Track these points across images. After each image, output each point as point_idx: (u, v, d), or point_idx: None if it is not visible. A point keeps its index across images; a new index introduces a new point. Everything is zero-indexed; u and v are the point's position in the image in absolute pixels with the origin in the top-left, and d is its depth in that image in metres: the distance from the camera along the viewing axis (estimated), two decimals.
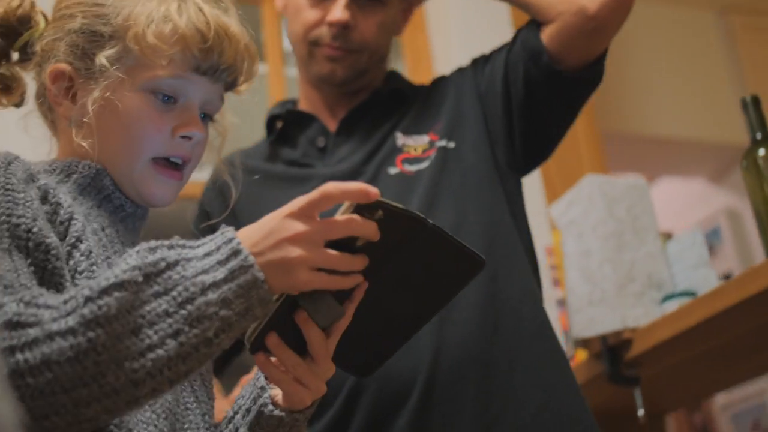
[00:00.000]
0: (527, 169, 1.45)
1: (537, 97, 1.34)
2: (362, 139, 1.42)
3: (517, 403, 1.22)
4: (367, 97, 1.46)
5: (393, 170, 1.36)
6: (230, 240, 0.78)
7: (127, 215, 0.98)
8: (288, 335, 0.86)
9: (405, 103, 1.46)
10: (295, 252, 0.77)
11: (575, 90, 1.35)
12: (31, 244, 0.81)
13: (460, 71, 1.49)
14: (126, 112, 0.94)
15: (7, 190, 0.83)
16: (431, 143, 1.38)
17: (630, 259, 1.68)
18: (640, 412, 1.70)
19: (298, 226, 0.78)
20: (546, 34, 1.31)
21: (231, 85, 1.01)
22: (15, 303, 0.73)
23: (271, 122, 1.52)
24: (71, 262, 0.85)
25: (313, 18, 1.40)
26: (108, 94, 0.94)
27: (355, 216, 0.79)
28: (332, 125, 1.46)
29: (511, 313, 1.28)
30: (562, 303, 2.05)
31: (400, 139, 1.40)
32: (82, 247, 0.86)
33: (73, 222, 0.87)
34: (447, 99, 1.43)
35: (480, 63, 1.46)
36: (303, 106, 1.51)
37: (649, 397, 1.77)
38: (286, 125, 1.50)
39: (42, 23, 1.01)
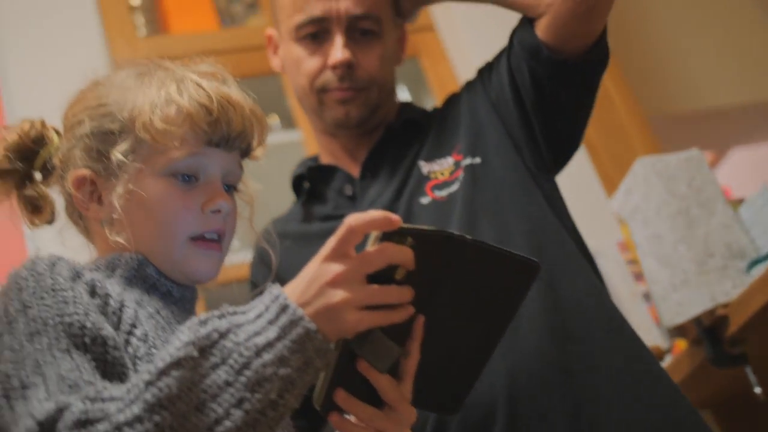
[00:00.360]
0: (559, 167, 1.40)
1: (548, 93, 1.30)
2: (387, 176, 1.39)
3: (606, 403, 1.16)
4: (383, 134, 1.44)
5: (425, 200, 1.33)
6: (277, 297, 0.79)
7: (177, 300, 0.99)
8: (358, 388, 0.83)
9: (421, 131, 1.44)
10: (337, 295, 0.77)
11: (584, 75, 1.31)
12: (87, 339, 0.82)
13: (469, 85, 1.46)
14: (152, 199, 0.96)
15: (55, 290, 0.85)
16: (456, 164, 1.35)
17: (703, 233, 1.59)
18: (757, 390, 1.60)
19: (336, 268, 0.78)
20: (540, 28, 1.28)
21: (246, 152, 1.03)
22: (81, 401, 0.74)
23: (297, 184, 1.51)
24: (130, 350, 0.86)
25: (315, 65, 1.39)
26: (131, 186, 0.96)
27: (387, 243, 0.78)
28: (355, 171, 1.44)
29: (578, 314, 1.22)
30: (647, 297, 1.96)
31: (425, 167, 1.37)
32: (138, 332, 0.87)
33: (125, 309, 0.88)
34: (462, 117, 1.40)
35: (485, 72, 1.43)
36: (324, 159, 1.50)
37: (763, 371, 1.66)
38: (312, 182, 1.48)
39: (55, 138, 1.05)
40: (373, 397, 0.83)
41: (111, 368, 0.82)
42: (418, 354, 0.83)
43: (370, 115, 1.41)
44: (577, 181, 2.44)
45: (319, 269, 0.79)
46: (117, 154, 0.95)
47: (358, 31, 1.38)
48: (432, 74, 2.73)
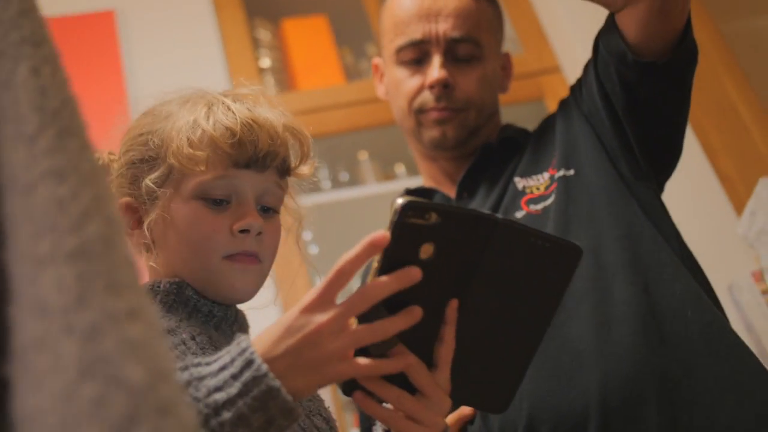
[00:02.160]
0: (660, 173, 1.35)
1: (639, 97, 1.26)
2: (484, 194, 1.39)
3: (705, 407, 1.09)
4: (479, 153, 1.44)
5: (519, 213, 1.31)
6: (244, 350, 0.74)
7: (220, 320, 0.99)
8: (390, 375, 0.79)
9: (518, 150, 1.43)
10: (320, 348, 0.73)
11: (673, 75, 1.26)
12: None
13: (562, 103, 1.45)
14: (183, 223, 0.97)
15: None
16: (551, 178, 1.33)
17: None
18: None
19: (318, 318, 0.74)
20: (623, 28, 1.24)
21: (284, 171, 1.02)
22: None
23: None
24: None
25: (414, 86, 1.41)
26: (163, 211, 0.97)
27: (374, 281, 0.74)
28: (453, 192, 1.44)
29: (675, 318, 1.16)
30: None
31: (520, 182, 1.36)
32: None
33: None
34: (557, 133, 1.39)
35: (576, 87, 1.42)
36: (425, 182, 1.51)
37: None
38: None
39: None
40: (405, 384, 0.79)
41: None
42: (453, 341, 0.79)
43: (467, 137, 1.42)
44: (707, 208, 2.33)
45: (298, 320, 0.74)
46: (147, 181, 0.98)
47: (457, 54, 1.41)
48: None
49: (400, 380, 0.79)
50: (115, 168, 1.04)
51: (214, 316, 0.98)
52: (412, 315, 0.76)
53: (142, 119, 1.05)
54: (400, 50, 1.42)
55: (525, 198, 1.33)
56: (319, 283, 0.75)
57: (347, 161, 2.78)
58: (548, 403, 1.11)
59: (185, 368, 0.75)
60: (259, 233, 0.98)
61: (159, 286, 0.97)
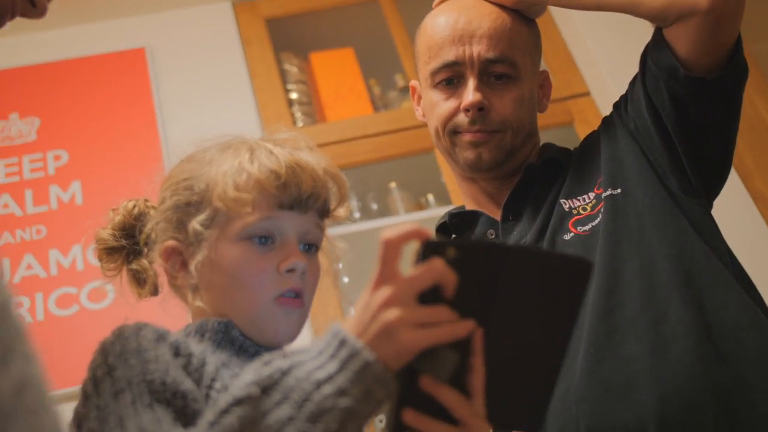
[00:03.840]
0: (711, 190, 1.34)
1: (690, 113, 1.26)
2: (530, 217, 1.37)
3: (764, 425, 1.08)
4: (522, 175, 1.42)
5: (567, 236, 1.30)
6: (337, 333, 0.80)
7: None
8: (428, 408, 0.81)
9: (561, 170, 1.41)
10: (389, 316, 0.77)
11: (724, 91, 1.26)
12: (168, 394, 0.86)
13: (606, 121, 1.43)
14: (229, 264, 1.00)
15: (140, 351, 0.89)
16: (598, 197, 1.32)
17: None
18: None
19: (385, 292, 0.78)
20: (673, 43, 1.25)
21: (323, 213, 1.06)
22: None
23: (443, 234, 1.50)
24: (210, 402, 0.89)
25: (449, 109, 1.40)
26: (209, 253, 1.00)
27: (434, 259, 0.78)
28: (498, 214, 1.42)
29: (730, 336, 1.16)
30: None
31: (566, 203, 1.34)
32: (218, 385, 0.90)
33: (206, 366, 0.92)
34: (602, 151, 1.37)
35: (621, 104, 1.40)
36: (468, 205, 1.50)
37: None
38: (456, 231, 1.48)
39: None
40: (446, 417, 0.82)
41: (191, 420, 0.85)
42: (483, 368, 0.81)
43: (505, 158, 1.40)
44: (742, 228, 2.31)
45: (369, 297, 0.79)
46: (195, 224, 1.01)
47: (492, 74, 1.39)
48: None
49: (441, 414, 0.81)
50: (156, 213, 1.08)
51: (260, 355, 1.00)
52: (466, 326, 0.79)
53: (183, 165, 1.08)
54: (434, 73, 1.41)
55: (572, 219, 1.31)
56: (376, 262, 0.79)
57: (377, 191, 2.79)
58: (605, 423, 1.10)
59: (285, 356, 0.80)
60: (303, 272, 1.02)
61: (207, 325, 1.00)
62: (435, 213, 2.59)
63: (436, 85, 1.42)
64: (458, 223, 1.47)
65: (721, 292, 1.20)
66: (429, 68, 1.42)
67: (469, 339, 0.80)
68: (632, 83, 1.38)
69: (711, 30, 1.20)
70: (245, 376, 0.79)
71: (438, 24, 1.42)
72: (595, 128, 1.47)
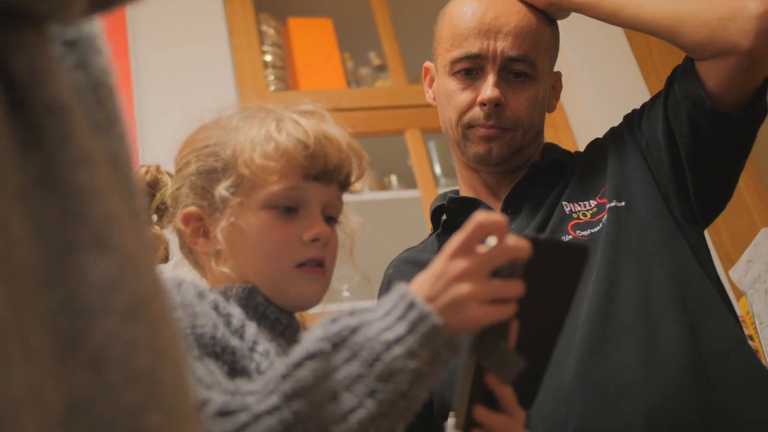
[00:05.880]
0: (707, 219, 1.38)
1: (706, 144, 1.29)
2: (529, 213, 1.39)
3: None
4: (527, 171, 1.44)
5: (566, 238, 1.32)
6: (405, 295, 0.82)
7: (285, 329, 1.02)
8: (483, 400, 0.86)
9: (565, 172, 1.43)
10: (464, 289, 0.80)
11: (744, 129, 1.30)
12: (218, 349, 0.88)
13: (615, 132, 1.46)
14: (254, 231, 1.01)
15: (185, 305, 0.91)
16: (600, 206, 1.35)
17: None
18: None
19: (462, 264, 0.81)
20: (704, 76, 1.28)
21: (345, 185, 1.07)
22: (221, 395, 0.80)
23: (435, 216, 1.51)
24: (252, 365, 0.90)
25: (465, 100, 1.41)
26: (233, 219, 1.01)
27: (510, 236, 0.82)
28: (496, 206, 1.44)
29: (719, 361, 1.21)
30: None
31: (567, 206, 1.37)
32: (260, 348, 0.92)
33: (246, 328, 0.93)
34: (608, 162, 1.40)
35: (635, 118, 1.42)
36: (464, 192, 1.51)
37: None
38: (450, 215, 1.48)
39: (169, 181, 1.12)
40: (492, 405, 0.87)
41: (240, 375, 0.87)
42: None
43: (512, 155, 1.42)
44: None
45: (446, 265, 0.82)
46: (221, 190, 1.01)
47: (512, 72, 1.40)
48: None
49: (492, 404, 0.87)
50: (178, 178, 1.08)
51: (280, 323, 1.02)
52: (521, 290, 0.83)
53: (206, 131, 1.07)
54: (455, 61, 1.41)
55: (572, 223, 1.34)
56: (460, 233, 0.82)
57: None
58: (594, 427, 1.14)
59: (352, 314, 0.82)
60: (327, 243, 1.03)
61: (231, 290, 1.01)
62: (397, 195, 2.61)
63: (454, 74, 1.42)
64: (456, 207, 1.48)
65: (712, 317, 1.24)
66: (450, 56, 1.42)
67: (508, 324, 0.84)
68: (652, 101, 1.40)
69: (746, 70, 1.24)
70: (315, 332, 0.81)
71: (465, 13, 1.42)
72: (594, 131, 1.50)
